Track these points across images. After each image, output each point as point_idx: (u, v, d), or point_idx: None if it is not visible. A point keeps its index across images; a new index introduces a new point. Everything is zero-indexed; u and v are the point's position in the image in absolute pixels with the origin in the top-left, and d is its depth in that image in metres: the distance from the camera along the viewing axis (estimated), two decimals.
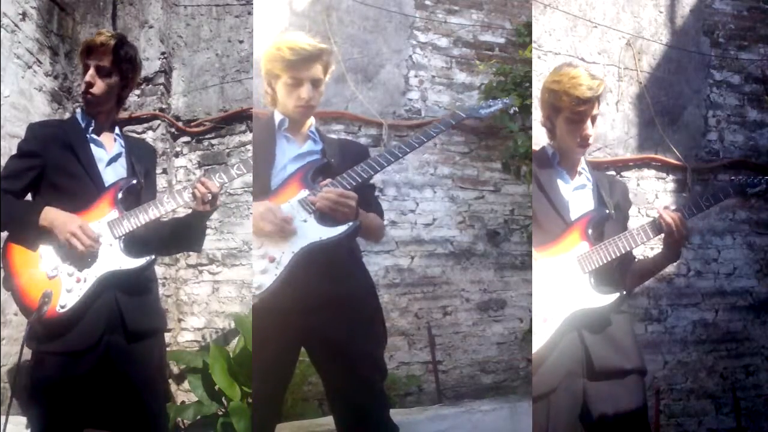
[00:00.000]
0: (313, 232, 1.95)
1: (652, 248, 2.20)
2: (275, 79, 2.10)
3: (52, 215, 1.96)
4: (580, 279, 1.99)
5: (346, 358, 2.01)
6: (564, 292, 1.98)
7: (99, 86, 2.08)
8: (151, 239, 2.15)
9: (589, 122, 2.07)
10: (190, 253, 3.98)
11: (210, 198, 2.04)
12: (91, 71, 2.07)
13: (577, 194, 2.12)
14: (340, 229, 1.96)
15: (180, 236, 2.18)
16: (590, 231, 2.02)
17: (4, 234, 2.02)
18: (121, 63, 2.11)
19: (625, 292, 2.01)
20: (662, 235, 1.99)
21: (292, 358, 2.10)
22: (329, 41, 4.01)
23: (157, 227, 2.19)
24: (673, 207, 2.03)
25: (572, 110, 2.05)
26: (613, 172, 4.11)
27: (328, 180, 2.01)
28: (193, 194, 2.05)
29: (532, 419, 1.96)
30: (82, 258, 1.97)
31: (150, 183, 2.23)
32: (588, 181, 2.15)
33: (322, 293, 1.97)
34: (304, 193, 2.00)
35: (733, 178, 2.11)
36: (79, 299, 1.95)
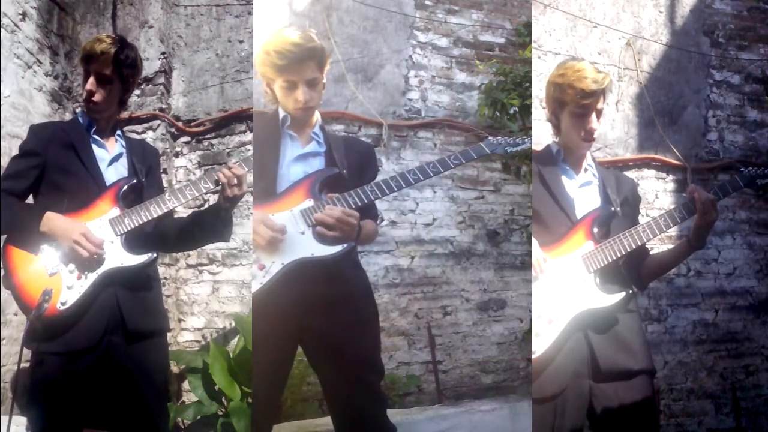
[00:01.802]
0: (307, 246, 1.94)
1: (651, 248, 2.18)
2: (271, 82, 2.08)
3: (53, 223, 1.95)
4: (585, 279, 1.97)
5: (343, 359, 2.01)
6: (569, 292, 1.96)
7: (100, 94, 2.08)
8: (171, 235, 2.15)
9: (593, 116, 2.05)
10: (190, 253, 3.98)
11: (236, 181, 2.01)
12: (92, 80, 2.06)
13: (583, 191, 2.09)
14: (334, 249, 1.95)
15: (207, 227, 2.14)
16: (595, 230, 2.00)
17: (4, 235, 2.02)
18: (122, 68, 2.10)
19: (631, 291, 1.99)
20: (666, 232, 1.98)
21: (290, 357, 2.10)
22: (329, 41, 4.02)
23: (176, 222, 2.19)
24: (673, 205, 2.01)
25: (577, 103, 2.02)
26: None
27: (334, 195, 1.99)
28: (218, 180, 2.02)
29: (537, 420, 1.94)
30: (84, 261, 1.96)
31: (154, 181, 2.23)
32: (594, 177, 2.12)
33: (319, 294, 1.97)
34: (308, 203, 1.99)
35: (742, 169, 2.07)
36: (80, 296, 1.94)
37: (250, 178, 2.08)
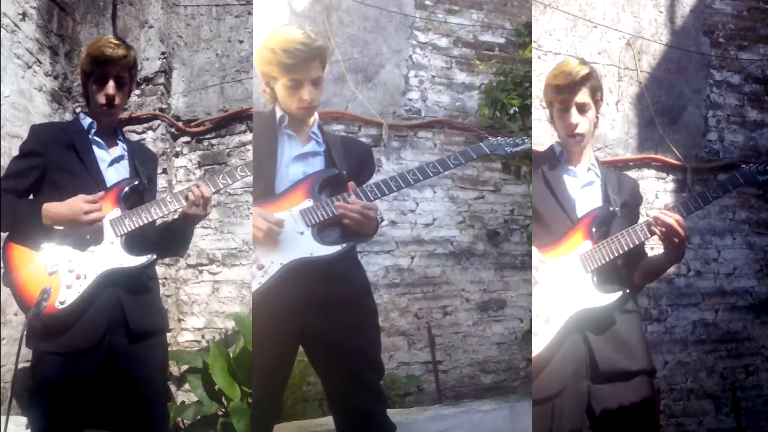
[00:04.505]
0: (306, 246, 1.95)
1: (652, 247, 2.18)
2: (273, 81, 2.06)
3: (53, 212, 1.95)
4: (583, 278, 1.96)
5: (344, 358, 2.01)
6: (567, 292, 1.95)
7: (119, 97, 2.11)
8: (146, 241, 2.15)
9: (573, 110, 2.03)
10: (190, 253, 3.97)
11: (201, 202, 2.06)
12: (112, 83, 2.08)
13: (585, 191, 2.08)
14: (333, 249, 1.95)
15: (166, 240, 2.20)
16: (594, 230, 1.99)
17: (5, 233, 2.03)
18: (132, 70, 2.15)
19: (628, 291, 1.97)
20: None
21: (291, 357, 2.10)
22: (329, 41, 4.02)
23: (149, 231, 2.19)
24: (673, 204, 1.99)
25: (557, 100, 2.05)
26: None
27: (354, 188, 2.00)
28: (187, 197, 2.06)
29: (535, 421, 1.94)
30: (84, 250, 1.97)
31: (152, 188, 2.24)
32: (597, 177, 2.11)
33: (319, 293, 1.97)
34: (308, 203, 2.00)
35: (743, 165, 2.04)
36: (79, 296, 1.95)
37: (249, 180, 2.09)
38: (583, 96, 2.04)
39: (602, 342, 1.95)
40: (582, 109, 2.05)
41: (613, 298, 1.94)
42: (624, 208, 2.07)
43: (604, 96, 2.13)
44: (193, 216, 2.09)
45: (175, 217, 2.18)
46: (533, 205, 2.12)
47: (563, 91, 2.03)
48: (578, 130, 2.06)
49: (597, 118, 2.11)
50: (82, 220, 1.94)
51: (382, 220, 4.14)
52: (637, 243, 1.97)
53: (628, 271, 2.08)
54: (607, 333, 1.96)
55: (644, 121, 4.28)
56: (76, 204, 1.95)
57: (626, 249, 1.96)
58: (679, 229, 1.89)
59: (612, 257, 1.97)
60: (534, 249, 2.00)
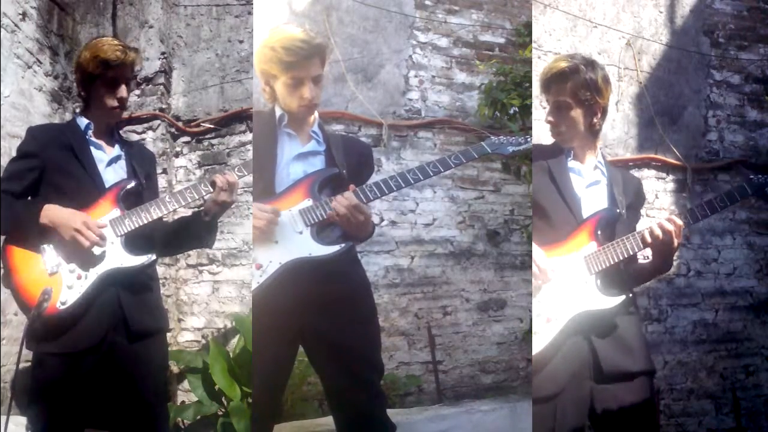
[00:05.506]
0: (305, 246, 1.95)
1: (646, 258, 2.16)
2: (273, 79, 2.06)
3: (52, 213, 1.96)
4: (587, 280, 1.95)
5: (343, 358, 2.01)
6: (570, 292, 1.94)
7: (127, 99, 2.15)
8: (157, 239, 2.15)
9: (551, 109, 2.03)
10: (190, 253, 3.98)
11: (228, 188, 2.06)
12: (125, 87, 2.11)
13: (590, 191, 2.05)
14: (332, 249, 1.96)
15: (192, 233, 2.18)
16: (599, 232, 1.96)
17: (3, 234, 2.02)
18: (133, 71, 2.19)
19: (631, 294, 1.96)
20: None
21: (290, 357, 2.10)
22: (329, 41, 4.01)
23: (163, 227, 2.20)
24: (676, 209, 1.97)
25: (545, 99, 2.06)
26: None
27: (355, 190, 2.00)
28: (213, 183, 2.06)
29: (537, 421, 1.93)
30: (85, 254, 1.97)
31: (152, 185, 2.24)
32: (603, 176, 2.08)
33: (318, 293, 1.97)
34: (307, 202, 2.00)
35: (752, 176, 2.01)
36: (80, 296, 1.95)
37: (249, 179, 2.09)
38: (562, 94, 2.00)
39: (605, 344, 1.95)
40: (560, 107, 2.02)
41: (616, 301, 1.93)
42: (629, 209, 2.05)
43: (605, 93, 2.04)
44: (222, 203, 2.08)
45: (202, 207, 2.18)
46: (535, 199, 2.08)
47: (543, 88, 2.03)
48: (557, 129, 2.04)
49: (594, 116, 2.03)
50: (71, 232, 1.94)
51: (382, 220, 4.15)
52: (643, 247, 1.94)
53: (627, 273, 2.07)
54: (610, 335, 1.95)
55: (644, 121, 4.28)
56: (78, 218, 1.95)
57: (632, 253, 1.94)
58: (674, 239, 1.88)
59: (617, 260, 1.95)
60: (540, 249, 1.97)
